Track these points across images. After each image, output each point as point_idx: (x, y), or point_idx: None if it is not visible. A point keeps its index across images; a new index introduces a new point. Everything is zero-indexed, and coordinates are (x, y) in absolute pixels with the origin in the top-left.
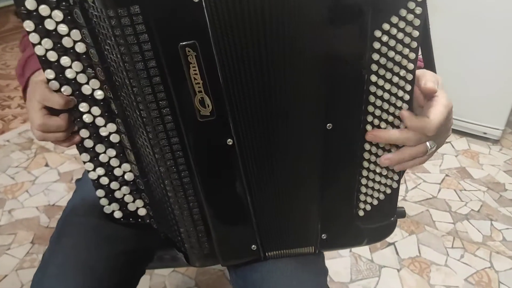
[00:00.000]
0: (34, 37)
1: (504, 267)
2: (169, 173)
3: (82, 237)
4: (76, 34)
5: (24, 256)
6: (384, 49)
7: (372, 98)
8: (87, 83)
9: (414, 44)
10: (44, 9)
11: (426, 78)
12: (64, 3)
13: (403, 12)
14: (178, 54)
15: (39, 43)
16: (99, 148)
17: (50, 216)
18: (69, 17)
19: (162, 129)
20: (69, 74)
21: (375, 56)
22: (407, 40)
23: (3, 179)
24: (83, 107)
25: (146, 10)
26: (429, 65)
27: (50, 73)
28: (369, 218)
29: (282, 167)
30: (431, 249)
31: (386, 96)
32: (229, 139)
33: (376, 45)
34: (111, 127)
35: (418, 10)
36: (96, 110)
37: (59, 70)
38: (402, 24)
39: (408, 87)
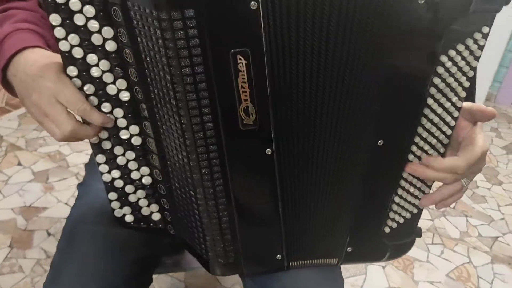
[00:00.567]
0: (59, 32)
1: (481, 262)
2: (203, 181)
3: (93, 246)
4: (107, 31)
5: (2, 261)
6: (445, 75)
7: (423, 120)
8: (113, 82)
9: (471, 74)
10: (74, 4)
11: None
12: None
13: (469, 42)
14: (228, 61)
15: (65, 38)
16: (118, 150)
17: (27, 218)
18: (101, 14)
19: (202, 136)
20: (95, 72)
21: (436, 80)
22: (466, 68)
23: None
24: (106, 107)
25: (201, 15)
26: (471, 97)
27: (73, 70)
28: (393, 235)
29: (321, 181)
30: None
31: (436, 119)
32: (268, 149)
33: (440, 69)
34: (134, 129)
35: (482, 42)
36: (119, 112)
37: (84, 67)
38: (466, 53)
39: (456, 114)
